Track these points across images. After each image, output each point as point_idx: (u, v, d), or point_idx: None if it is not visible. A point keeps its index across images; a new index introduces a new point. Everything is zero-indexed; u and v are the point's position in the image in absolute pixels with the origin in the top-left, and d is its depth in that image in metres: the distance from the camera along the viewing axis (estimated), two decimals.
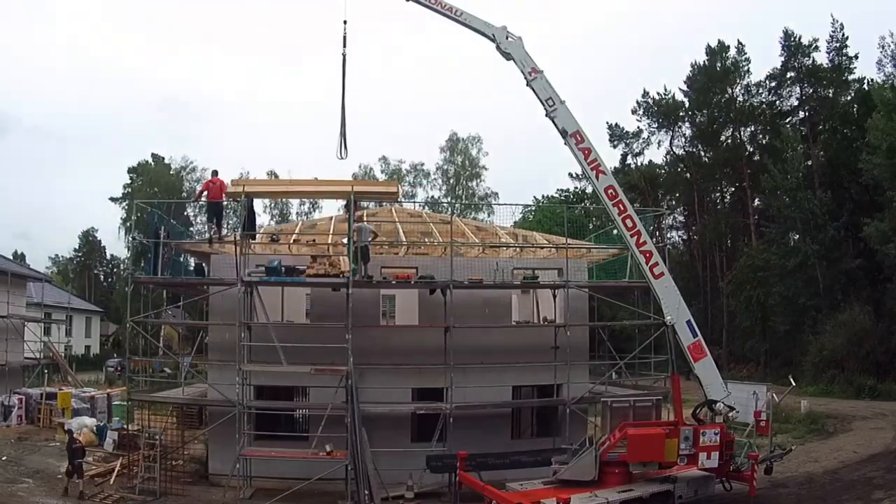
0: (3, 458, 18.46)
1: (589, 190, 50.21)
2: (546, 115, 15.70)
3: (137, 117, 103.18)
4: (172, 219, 23.26)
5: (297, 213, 63.70)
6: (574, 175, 60.11)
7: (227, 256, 17.93)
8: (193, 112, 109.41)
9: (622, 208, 15.49)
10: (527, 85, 15.80)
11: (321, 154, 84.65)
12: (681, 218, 61.65)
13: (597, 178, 15.67)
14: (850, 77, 47.58)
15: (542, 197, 64.33)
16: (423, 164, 67.08)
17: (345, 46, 17.22)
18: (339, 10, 16.79)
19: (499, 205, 62.62)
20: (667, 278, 15.38)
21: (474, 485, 14.05)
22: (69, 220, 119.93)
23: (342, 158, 17.25)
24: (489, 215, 58.99)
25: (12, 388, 25.21)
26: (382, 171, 64.97)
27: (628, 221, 15.39)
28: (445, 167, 66.46)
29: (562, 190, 63.01)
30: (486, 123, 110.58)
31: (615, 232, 16.79)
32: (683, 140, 58.69)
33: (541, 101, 15.69)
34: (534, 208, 59.21)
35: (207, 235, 19.93)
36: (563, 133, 15.62)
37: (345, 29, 17.13)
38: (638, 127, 59.37)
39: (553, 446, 16.89)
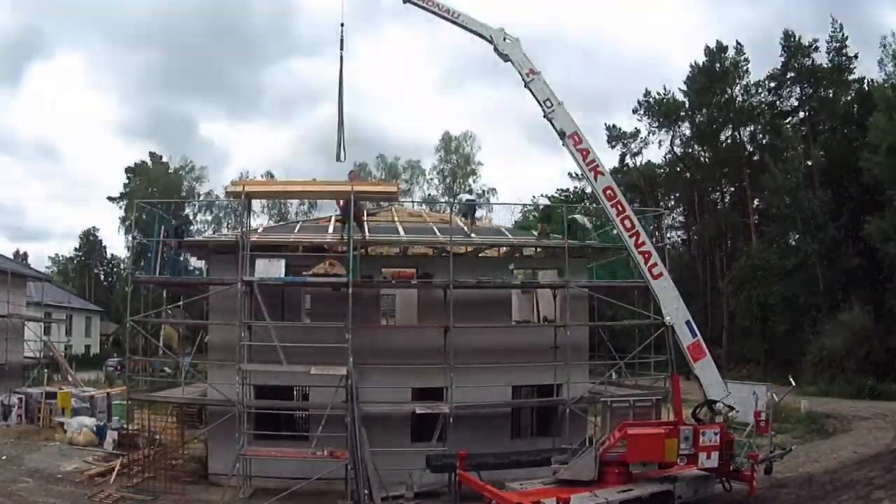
0: (3, 458, 18.47)
1: (588, 190, 50.19)
2: (544, 117, 15.69)
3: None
4: (173, 218, 23.29)
5: (295, 212, 63.80)
6: (574, 175, 60.21)
7: (228, 256, 17.83)
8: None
9: (620, 209, 15.48)
10: (525, 86, 15.78)
11: (320, 152, 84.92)
12: (680, 218, 61.71)
13: (595, 178, 15.67)
14: (850, 77, 47.63)
15: (542, 196, 64.39)
16: (419, 162, 67.22)
17: (342, 49, 17.24)
18: (338, 10, 16.85)
19: (498, 204, 62.86)
20: (665, 279, 15.37)
21: (474, 484, 14.06)
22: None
23: (341, 161, 17.28)
24: (488, 213, 59.04)
25: (12, 388, 25.22)
26: (381, 169, 65.09)
27: (627, 222, 15.37)
28: (441, 166, 66.60)
29: (562, 190, 63.09)
30: (486, 122, 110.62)
31: (614, 232, 16.78)
32: (683, 140, 58.83)
33: (539, 102, 15.68)
34: (534, 208, 59.21)
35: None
36: (561, 134, 15.61)
37: (342, 31, 17.15)
38: (636, 128, 59.58)
39: (553, 446, 16.90)
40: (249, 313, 16.57)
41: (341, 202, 18.22)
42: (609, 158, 57.98)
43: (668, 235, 58.96)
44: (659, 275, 15.30)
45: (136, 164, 72.10)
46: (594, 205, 35.14)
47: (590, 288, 19.24)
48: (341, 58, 17.30)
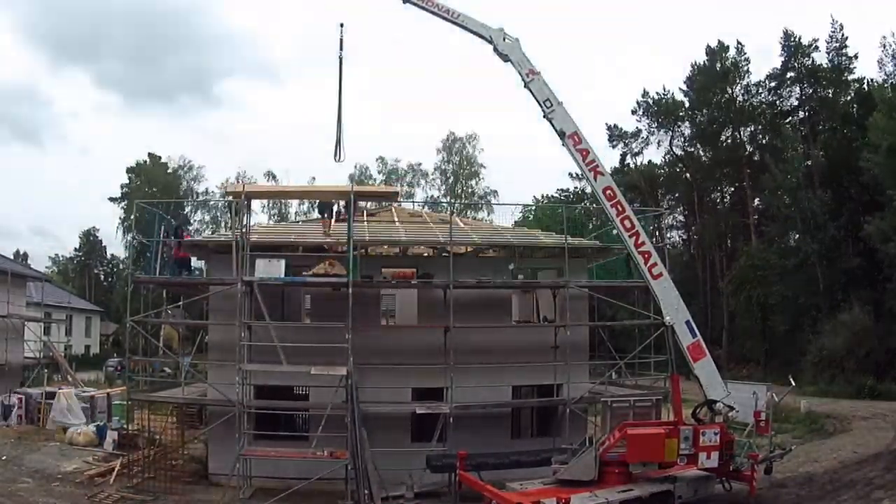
0: (3, 458, 18.47)
1: (588, 190, 50.29)
2: (544, 117, 15.65)
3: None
4: (172, 218, 23.29)
5: (295, 213, 63.85)
6: (574, 175, 60.21)
7: (228, 256, 17.83)
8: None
9: (620, 209, 15.45)
10: (524, 86, 15.75)
11: (320, 153, 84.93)
12: (680, 218, 61.72)
13: (595, 178, 15.63)
14: (850, 77, 47.66)
15: (543, 197, 64.42)
16: (420, 164, 67.18)
17: (342, 49, 17.28)
18: (338, 12, 16.94)
19: (499, 205, 62.92)
20: (665, 279, 15.33)
21: (474, 484, 14.04)
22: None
23: (339, 161, 17.29)
24: (489, 214, 59.14)
25: (12, 388, 25.20)
26: (379, 172, 65.06)
27: (626, 222, 15.33)
28: (443, 167, 66.52)
29: (562, 190, 63.11)
30: (486, 122, 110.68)
31: (614, 232, 16.78)
32: (683, 140, 58.82)
33: (538, 102, 15.63)
34: (534, 208, 59.25)
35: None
36: (561, 134, 15.57)
37: (342, 32, 17.20)
38: (637, 127, 59.54)
39: (553, 446, 16.88)
40: (249, 313, 16.56)
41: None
42: (610, 158, 58.21)
43: (669, 235, 59.05)
44: (659, 275, 15.28)
45: (136, 163, 72.27)
46: (594, 205, 35.29)
47: (590, 288, 19.21)
48: (340, 58, 17.36)
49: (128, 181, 71.32)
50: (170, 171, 71.78)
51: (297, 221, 31.81)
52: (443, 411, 16.81)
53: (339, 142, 17.19)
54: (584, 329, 19.49)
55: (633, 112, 59.21)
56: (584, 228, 36.97)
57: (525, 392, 19.08)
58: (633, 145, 60.48)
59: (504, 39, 15.79)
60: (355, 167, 62.86)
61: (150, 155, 72.81)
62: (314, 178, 48.34)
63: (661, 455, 13.79)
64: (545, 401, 18.66)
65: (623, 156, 60.91)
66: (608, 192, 15.54)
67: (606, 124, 61.17)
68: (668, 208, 59.12)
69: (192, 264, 19.68)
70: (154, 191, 64.17)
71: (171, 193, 62.93)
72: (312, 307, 19.40)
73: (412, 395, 17.91)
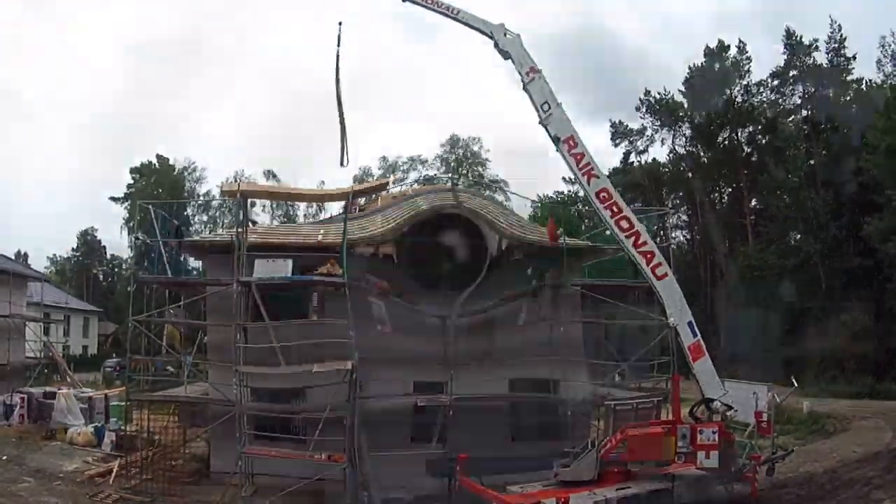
0: (4, 458, 18.47)
1: (582, 193, 50.21)
2: (539, 123, 15.45)
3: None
4: (175, 219, 23.24)
5: (304, 214, 64.00)
6: (567, 179, 59.93)
7: (226, 256, 17.74)
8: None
9: (616, 210, 15.22)
10: (523, 88, 15.59)
11: (323, 153, 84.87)
12: (684, 217, 61.60)
13: (588, 182, 15.38)
14: (849, 77, 47.64)
15: (542, 196, 64.25)
16: (420, 155, 66.78)
17: (339, 45, 16.90)
18: (338, 11, 16.70)
19: (508, 193, 62.54)
20: (670, 279, 15.13)
21: (474, 488, 14.01)
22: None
23: (345, 166, 17.03)
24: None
25: (14, 388, 25.18)
26: (380, 170, 64.90)
27: (623, 223, 15.12)
28: (445, 156, 66.23)
29: (558, 192, 62.95)
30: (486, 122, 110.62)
31: (608, 232, 16.54)
32: (684, 140, 58.80)
33: (536, 105, 15.44)
34: (539, 204, 58.99)
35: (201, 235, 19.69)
36: (556, 140, 15.37)
37: (340, 30, 16.84)
38: (642, 124, 59.48)
39: (555, 449, 16.77)
40: (246, 314, 16.44)
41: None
42: (613, 157, 58.38)
43: (673, 235, 58.81)
44: (663, 275, 15.06)
45: (142, 164, 72.44)
46: (586, 207, 35.12)
47: (588, 288, 19.07)
48: (338, 55, 16.85)
49: (132, 181, 71.56)
50: (175, 172, 71.97)
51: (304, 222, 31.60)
52: (442, 402, 16.63)
53: (343, 145, 16.92)
54: (587, 330, 19.38)
55: (637, 109, 59.25)
56: (578, 230, 36.84)
57: (525, 392, 18.98)
58: (638, 143, 60.48)
59: (505, 35, 15.69)
60: (360, 169, 62.71)
61: (157, 156, 73.02)
62: (323, 182, 48.37)
63: (659, 453, 13.78)
64: (546, 396, 18.48)
65: (626, 154, 60.89)
66: (603, 194, 15.30)
67: (610, 121, 61.32)
68: (672, 207, 58.93)
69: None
70: (159, 191, 64.19)
71: (176, 194, 62.95)
72: (317, 307, 19.21)
73: (413, 390, 17.79)
